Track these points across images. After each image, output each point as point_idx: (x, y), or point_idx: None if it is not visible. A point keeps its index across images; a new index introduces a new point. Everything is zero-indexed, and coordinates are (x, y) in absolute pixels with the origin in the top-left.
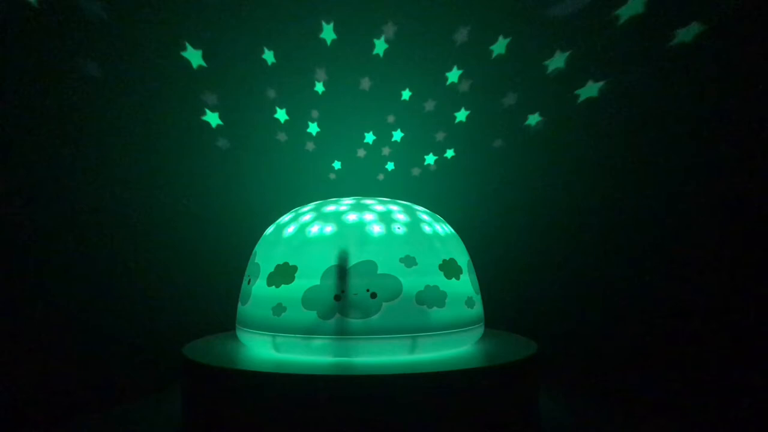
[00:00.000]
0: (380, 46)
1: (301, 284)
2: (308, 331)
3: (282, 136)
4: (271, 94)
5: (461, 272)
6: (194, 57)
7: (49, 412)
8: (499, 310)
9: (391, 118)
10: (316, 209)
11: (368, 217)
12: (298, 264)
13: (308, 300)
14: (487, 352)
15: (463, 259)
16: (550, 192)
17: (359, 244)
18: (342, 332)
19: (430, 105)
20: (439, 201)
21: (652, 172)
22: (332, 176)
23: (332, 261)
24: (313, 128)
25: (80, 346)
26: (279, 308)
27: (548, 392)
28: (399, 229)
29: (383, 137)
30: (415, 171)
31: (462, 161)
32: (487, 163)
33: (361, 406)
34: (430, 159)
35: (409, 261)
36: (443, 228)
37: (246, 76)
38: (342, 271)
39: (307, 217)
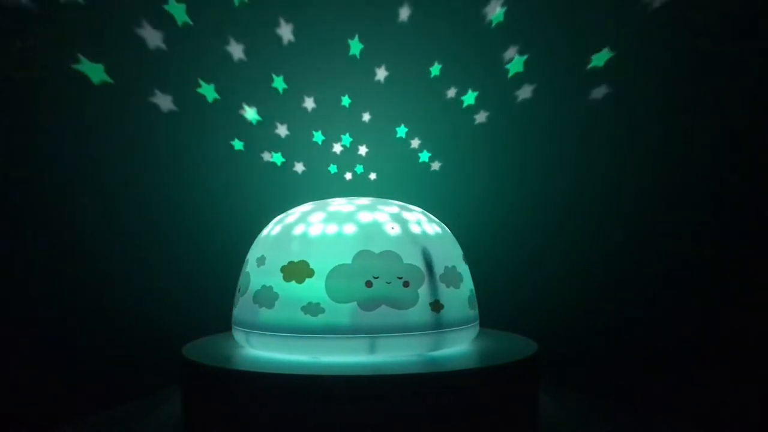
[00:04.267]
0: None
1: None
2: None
3: (281, 137)
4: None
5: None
6: None
7: (49, 412)
8: (499, 309)
9: (392, 118)
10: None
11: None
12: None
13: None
14: (487, 352)
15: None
16: (550, 190)
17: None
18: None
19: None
20: (439, 200)
21: (652, 170)
22: (347, 176)
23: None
24: (315, 130)
25: (80, 347)
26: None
27: (548, 392)
28: (393, 229)
29: (384, 137)
30: (415, 171)
31: (462, 160)
32: (488, 163)
33: (360, 406)
34: (424, 157)
35: None
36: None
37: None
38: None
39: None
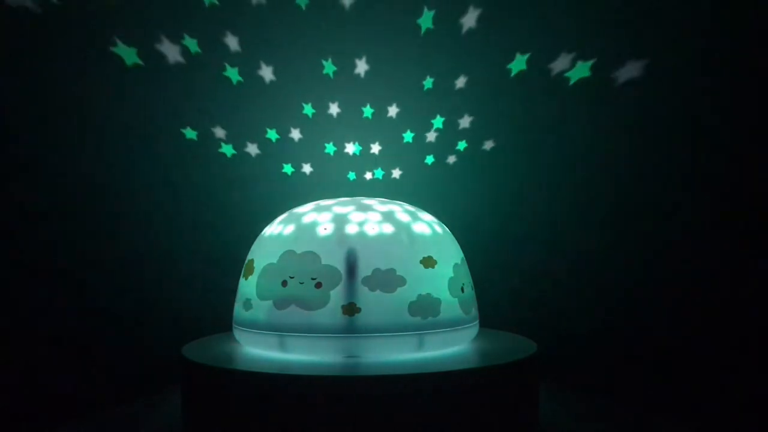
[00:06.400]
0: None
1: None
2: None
3: (281, 137)
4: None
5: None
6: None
7: (49, 412)
8: (499, 309)
9: (394, 115)
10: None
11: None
12: None
13: None
14: (487, 352)
15: None
16: (550, 191)
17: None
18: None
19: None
20: (439, 199)
21: (654, 170)
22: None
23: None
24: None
25: (80, 347)
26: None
27: (548, 392)
28: (326, 230)
29: (385, 137)
30: (416, 170)
31: (462, 159)
32: (487, 161)
33: (360, 406)
34: (429, 159)
35: None
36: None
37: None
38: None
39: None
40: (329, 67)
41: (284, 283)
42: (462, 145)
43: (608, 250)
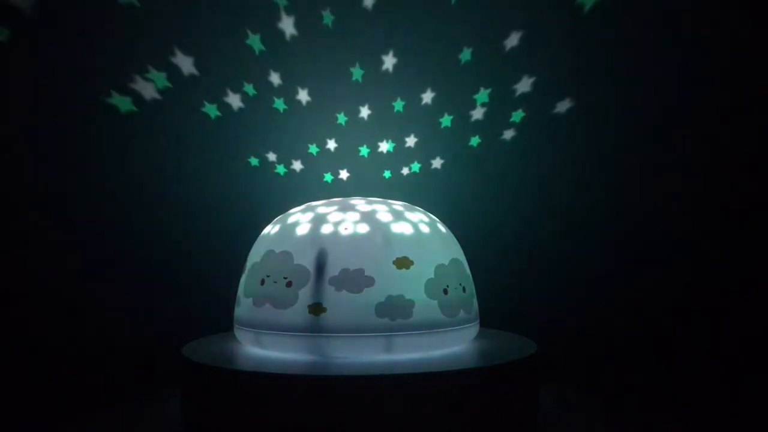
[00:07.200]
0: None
1: None
2: None
3: (281, 137)
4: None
5: None
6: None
7: (49, 412)
8: (499, 309)
9: (396, 118)
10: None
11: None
12: None
13: None
14: (486, 352)
15: None
16: (549, 190)
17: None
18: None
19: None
20: (439, 198)
21: (653, 171)
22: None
23: None
24: (315, 129)
25: (80, 347)
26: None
27: (548, 392)
28: (346, 230)
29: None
30: (416, 170)
31: (463, 161)
32: (489, 163)
33: (360, 406)
34: (426, 158)
35: None
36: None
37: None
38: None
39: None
40: (357, 73)
41: (262, 282)
42: (463, 145)
43: (610, 249)
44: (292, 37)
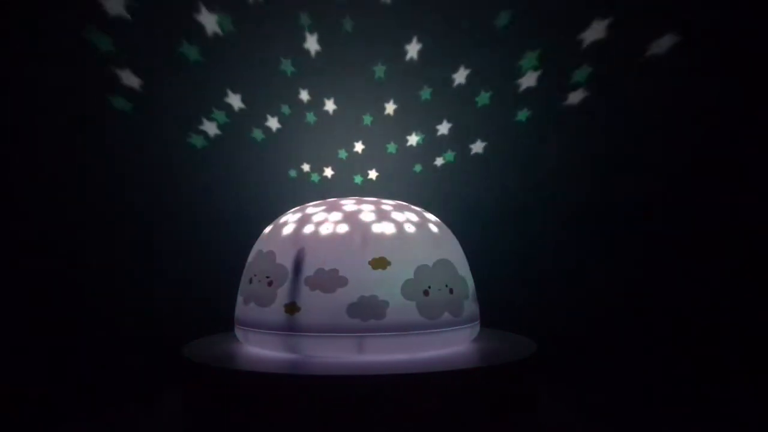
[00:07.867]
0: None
1: None
2: None
3: (313, 148)
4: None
5: None
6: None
7: (50, 412)
8: (499, 309)
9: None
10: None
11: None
12: None
13: None
14: (486, 352)
15: None
16: (550, 190)
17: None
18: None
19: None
20: (439, 198)
21: (653, 171)
22: (372, 174)
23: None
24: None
25: (80, 347)
26: None
27: (548, 392)
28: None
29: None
30: (416, 170)
31: (464, 160)
32: (489, 163)
33: (360, 406)
34: (425, 157)
35: None
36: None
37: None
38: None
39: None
40: (379, 71)
41: (250, 281)
42: (464, 145)
43: (609, 249)
44: (317, 53)
